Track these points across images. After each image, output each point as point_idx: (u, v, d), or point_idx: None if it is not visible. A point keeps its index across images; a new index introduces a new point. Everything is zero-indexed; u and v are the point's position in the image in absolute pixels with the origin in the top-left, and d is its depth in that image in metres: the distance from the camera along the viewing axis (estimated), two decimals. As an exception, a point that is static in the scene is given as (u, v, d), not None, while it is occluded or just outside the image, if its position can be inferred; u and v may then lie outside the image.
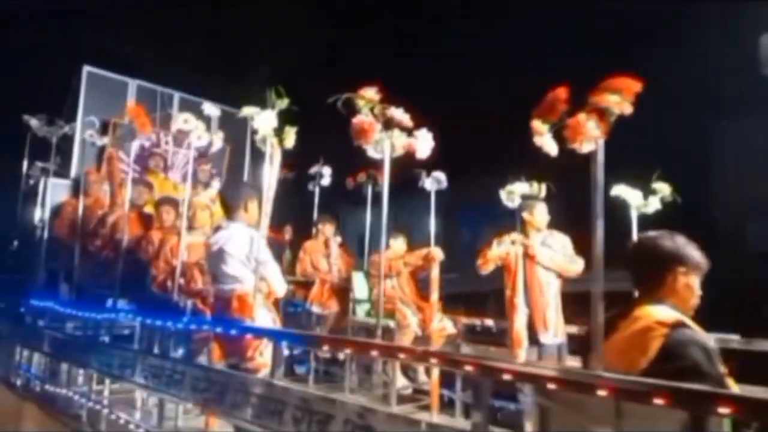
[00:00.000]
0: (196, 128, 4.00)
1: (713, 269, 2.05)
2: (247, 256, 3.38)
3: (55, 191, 6.44)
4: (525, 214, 4.96)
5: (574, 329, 4.77)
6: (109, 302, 5.54)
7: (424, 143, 2.58)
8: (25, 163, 6.97)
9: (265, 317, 3.36)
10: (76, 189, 6.64)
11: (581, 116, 1.96)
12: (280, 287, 3.50)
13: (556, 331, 4.64)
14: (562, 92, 1.94)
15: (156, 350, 4.28)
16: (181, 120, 3.95)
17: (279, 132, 3.46)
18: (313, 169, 7.06)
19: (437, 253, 5.28)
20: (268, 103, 3.37)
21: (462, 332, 5.48)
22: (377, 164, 6.73)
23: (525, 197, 5.20)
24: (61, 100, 7.08)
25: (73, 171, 6.81)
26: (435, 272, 5.27)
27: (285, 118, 3.42)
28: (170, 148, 7.22)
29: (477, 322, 5.63)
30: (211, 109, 4.01)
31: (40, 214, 6.53)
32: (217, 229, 3.55)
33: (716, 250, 2.22)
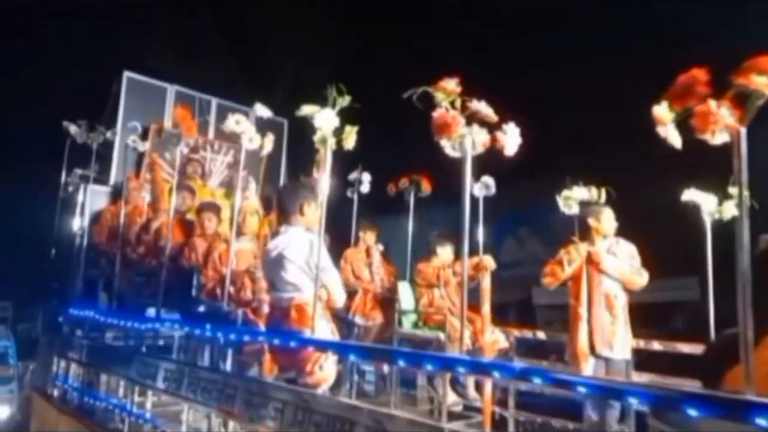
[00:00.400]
0: (248, 130, 3.83)
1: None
2: (306, 261, 3.18)
3: (94, 198, 6.36)
4: (591, 221, 4.69)
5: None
6: (150, 311, 5.47)
7: (511, 139, 2.35)
8: (63, 171, 6.92)
9: (324, 328, 3.14)
10: (116, 196, 6.55)
11: (711, 102, 1.72)
12: (341, 296, 3.29)
13: (624, 345, 4.35)
14: (701, 73, 1.70)
15: (202, 362, 4.11)
16: (233, 121, 3.78)
17: (338, 132, 3.27)
18: (352, 176, 6.88)
19: (489, 262, 5.02)
20: (328, 102, 3.19)
21: (514, 345, 5.20)
22: (420, 170, 6.59)
23: (584, 203, 4.96)
24: (99, 106, 7.03)
25: (113, 178, 6.73)
26: (486, 282, 5.00)
27: (346, 117, 3.23)
28: (208, 154, 7.10)
29: (529, 334, 5.36)
30: (262, 110, 3.83)
31: (79, 222, 6.44)
32: (275, 234, 3.36)
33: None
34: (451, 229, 5.95)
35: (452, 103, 2.42)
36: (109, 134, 5.90)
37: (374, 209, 7.00)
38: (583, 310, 4.56)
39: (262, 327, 3.67)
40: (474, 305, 5.53)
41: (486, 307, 5.01)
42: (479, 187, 5.65)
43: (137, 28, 8.71)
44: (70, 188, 6.84)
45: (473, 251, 5.60)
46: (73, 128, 6.62)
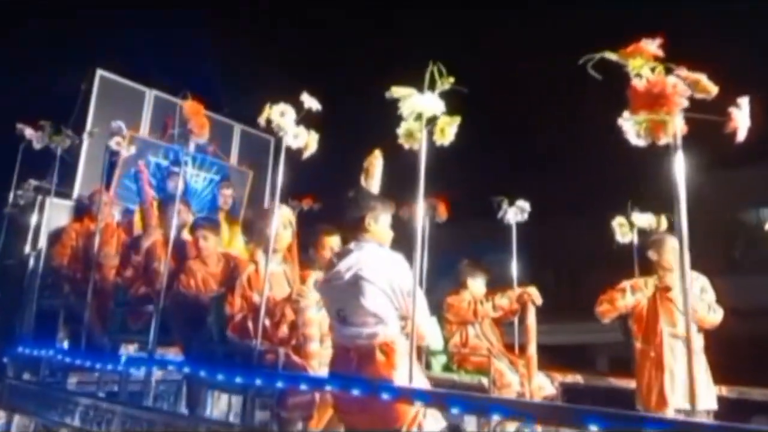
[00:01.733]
0: (291, 124, 3.08)
1: None
2: (391, 285, 2.44)
3: (54, 214, 5.32)
4: (651, 253, 4.19)
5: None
6: (125, 349, 4.49)
7: (743, 118, 1.75)
8: (14, 182, 5.83)
9: (417, 375, 2.39)
10: (80, 211, 5.55)
11: None
12: (430, 331, 2.55)
13: (706, 394, 3.79)
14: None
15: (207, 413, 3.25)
16: (277, 112, 3.03)
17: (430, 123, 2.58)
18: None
19: (535, 294, 4.41)
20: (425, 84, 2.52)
21: (561, 392, 4.57)
22: (435, 192, 5.96)
23: (643, 232, 4.48)
24: (59, 108, 6.03)
25: (77, 190, 5.72)
26: (531, 318, 4.38)
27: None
28: (190, 168, 6.21)
29: (578, 379, 4.75)
30: (310, 101, 3.10)
31: (31, 241, 5.37)
32: (343, 253, 2.60)
33: None
34: (478, 258, 5.35)
35: (652, 70, 1.81)
36: (85, 135, 4.93)
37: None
38: (653, 354, 4.01)
39: (312, 371, 2.87)
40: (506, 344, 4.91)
41: (532, 348, 4.37)
42: (513, 212, 5.09)
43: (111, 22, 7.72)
44: (21, 202, 5.76)
45: (507, 283, 5.02)
46: (28, 131, 5.60)
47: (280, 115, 3.06)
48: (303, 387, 2.64)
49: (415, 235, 2.51)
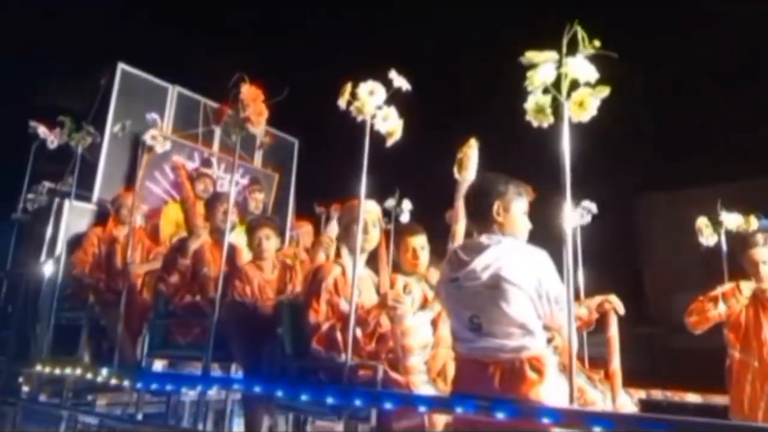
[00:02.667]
0: (382, 106, 2.68)
1: None
2: (537, 290, 2.04)
3: (72, 218, 4.84)
4: (745, 257, 3.83)
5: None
6: (156, 366, 4.04)
7: None
8: (25, 185, 5.35)
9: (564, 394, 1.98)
10: (102, 215, 5.08)
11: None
12: (574, 339, 2.14)
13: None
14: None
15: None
16: (366, 90, 2.63)
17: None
18: (388, 203, 5.73)
19: (617, 303, 4.00)
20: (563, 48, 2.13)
21: (641, 410, 4.16)
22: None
23: (731, 233, 4.13)
24: (77, 105, 5.59)
25: (96, 192, 5.24)
26: (614, 329, 3.97)
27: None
28: (217, 171, 5.78)
29: (657, 394, 4.35)
30: (400, 80, 2.70)
31: (47, 248, 4.89)
32: (473, 248, 2.18)
33: None
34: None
35: None
36: (117, 128, 4.44)
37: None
38: (756, 364, 3.64)
39: (415, 389, 2.44)
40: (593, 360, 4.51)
41: (616, 362, 3.96)
42: (579, 213, 4.72)
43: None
44: (35, 206, 5.28)
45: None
46: (42, 130, 5.15)
47: (369, 93, 2.65)
48: (421, 408, 2.21)
49: (565, 233, 2.10)
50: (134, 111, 5.53)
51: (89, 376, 3.74)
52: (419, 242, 3.13)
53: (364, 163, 2.78)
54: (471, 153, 3.03)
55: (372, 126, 2.73)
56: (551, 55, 2.12)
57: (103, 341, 4.62)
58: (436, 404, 2.20)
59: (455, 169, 3.04)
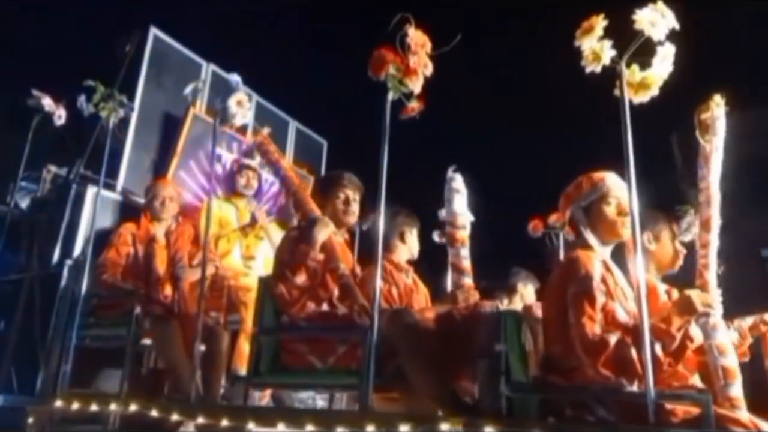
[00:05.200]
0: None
1: None
2: None
3: (96, 210, 3.81)
4: None
5: None
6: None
7: None
8: (21, 168, 4.25)
9: None
10: (131, 209, 4.08)
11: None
12: None
13: None
14: None
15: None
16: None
17: None
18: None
19: (775, 323, 3.47)
20: None
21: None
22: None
23: None
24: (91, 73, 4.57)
25: (121, 181, 4.22)
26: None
27: None
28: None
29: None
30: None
31: (61, 248, 3.82)
32: None
33: None
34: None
35: None
36: (188, 90, 3.47)
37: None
38: None
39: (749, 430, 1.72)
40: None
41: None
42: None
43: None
44: (36, 193, 4.20)
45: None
46: (47, 101, 4.14)
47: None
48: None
49: None
50: (165, 87, 4.60)
51: (155, 414, 2.75)
52: None
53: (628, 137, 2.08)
54: (717, 112, 2.41)
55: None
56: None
57: (140, 367, 3.63)
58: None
59: (697, 134, 2.41)
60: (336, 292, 2.65)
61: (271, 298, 2.64)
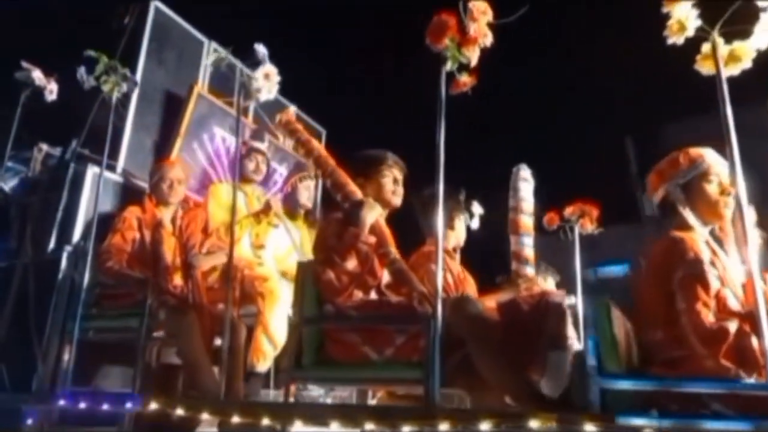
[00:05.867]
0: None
1: None
2: None
3: (93, 193, 3.50)
4: None
5: None
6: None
7: None
8: (9, 147, 3.89)
9: None
10: (134, 191, 3.78)
11: None
12: None
13: None
14: None
15: None
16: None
17: None
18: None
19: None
20: None
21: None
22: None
23: None
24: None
25: (122, 161, 3.90)
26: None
27: None
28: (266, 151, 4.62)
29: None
30: None
31: (57, 233, 3.49)
32: None
33: None
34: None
35: None
36: (211, 60, 3.17)
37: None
38: None
39: None
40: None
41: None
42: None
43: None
44: (26, 173, 3.85)
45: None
46: (38, 75, 3.81)
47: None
48: None
49: None
50: (166, 64, 4.30)
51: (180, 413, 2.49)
52: None
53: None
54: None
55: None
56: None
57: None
58: None
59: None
60: (384, 279, 2.46)
61: (314, 285, 2.42)
